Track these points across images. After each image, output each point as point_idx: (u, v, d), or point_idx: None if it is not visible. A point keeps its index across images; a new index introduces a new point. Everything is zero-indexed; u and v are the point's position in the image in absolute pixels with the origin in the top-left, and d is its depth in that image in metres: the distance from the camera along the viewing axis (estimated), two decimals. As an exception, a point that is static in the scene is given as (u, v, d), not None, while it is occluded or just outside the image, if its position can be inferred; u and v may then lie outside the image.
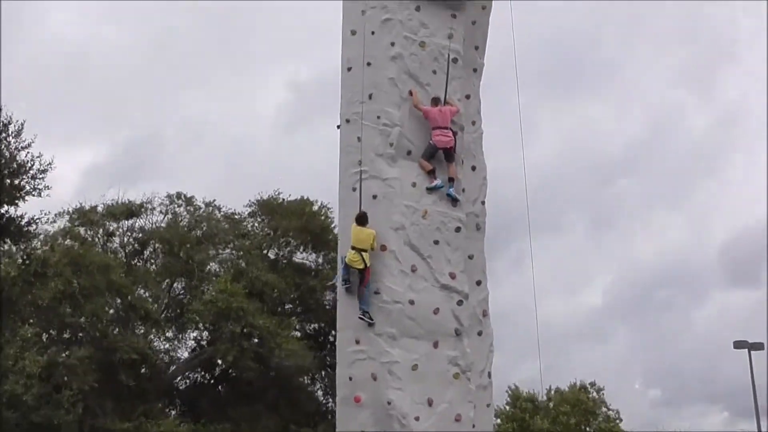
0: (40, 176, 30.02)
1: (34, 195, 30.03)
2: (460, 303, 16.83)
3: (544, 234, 55.93)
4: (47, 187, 30.25)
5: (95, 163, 63.35)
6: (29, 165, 29.77)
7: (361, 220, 16.81)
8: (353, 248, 16.62)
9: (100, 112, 63.05)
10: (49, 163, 30.18)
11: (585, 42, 58.52)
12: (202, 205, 39.07)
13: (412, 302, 16.51)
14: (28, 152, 29.80)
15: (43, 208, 34.18)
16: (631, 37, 62.38)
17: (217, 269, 38.13)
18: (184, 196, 38.87)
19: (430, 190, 17.22)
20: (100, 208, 36.98)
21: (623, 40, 62.00)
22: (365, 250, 16.56)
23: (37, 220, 31.52)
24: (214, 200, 39.51)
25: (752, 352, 35.90)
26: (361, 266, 16.57)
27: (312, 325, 39.12)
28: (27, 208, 30.79)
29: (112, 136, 67.80)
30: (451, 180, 17.41)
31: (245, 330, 32.96)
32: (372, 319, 16.46)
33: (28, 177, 29.78)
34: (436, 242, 16.95)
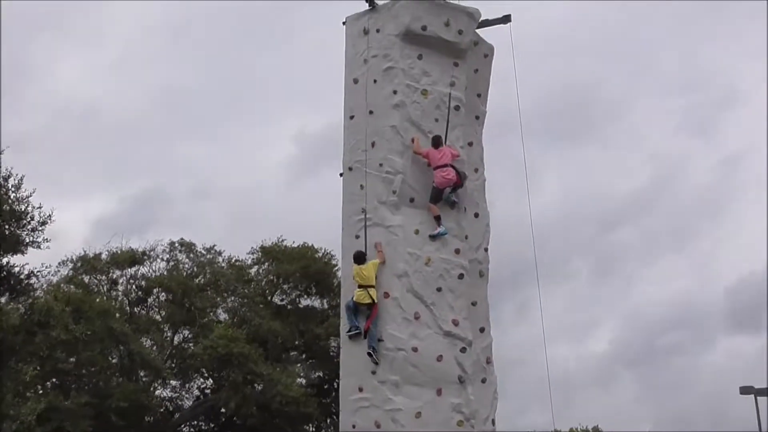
0: (40, 228, 30.10)
1: (33, 247, 30.08)
2: (463, 350, 16.75)
3: (549, 281, 56.19)
4: (47, 240, 30.30)
5: (103, 215, 64.10)
6: (29, 217, 29.83)
7: (359, 259, 16.91)
8: (359, 287, 16.71)
9: (109, 164, 63.47)
10: (49, 215, 30.25)
11: (589, 90, 58.97)
12: (204, 252, 39.17)
13: (415, 349, 16.47)
14: (27, 204, 29.90)
15: (44, 261, 34.36)
16: (634, 85, 62.88)
17: (221, 316, 38.14)
18: (186, 242, 39.01)
19: (434, 237, 17.25)
20: (104, 256, 37.07)
21: (626, 87, 62.52)
22: (371, 286, 16.63)
23: (38, 273, 31.57)
24: (215, 245, 39.66)
25: (758, 397, 35.71)
26: (368, 301, 16.62)
27: (317, 373, 38.97)
28: (28, 260, 30.86)
29: (121, 188, 68.38)
30: (454, 188, 17.41)
31: (248, 377, 32.86)
32: (378, 360, 16.44)
33: (27, 229, 29.84)
34: (439, 289, 16.93)
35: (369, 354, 16.53)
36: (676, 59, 64.92)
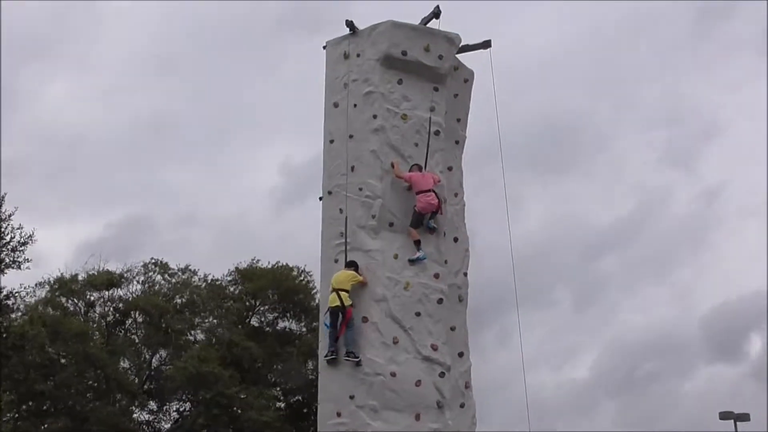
0: (20, 248, 29.91)
1: (13, 267, 29.88)
2: (442, 375, 16.71)
3: (531, 308, 56.44)
4: (27, 260, 30.12)
5: (89, 240, 64.37)
6: (9, 238, 29.64)
7: (349, 264, 16.96)
8: (333, 290, 16.70)
9: (95, 190, 63.59)
10: (30, 236, 30.09)
11: (572, 121, 59.61)
12: (178, 272, 39.06)
13: (393, 374, 16.40)
14: (8, 224, 29.72)
15: (25, 282, 34.12)
16: (617, 117, 63.61)
17: (198, 336, 38.03)
18: (160, 262, 38.88)
19: (412, 262, 17.24)
20: (81, 277, 36.87)
21: (610, 119, 63.20)
22: (345, 290, 16.59)
23: (16, 294, 31.34)
24: (189, 265, 39.57)
25: (738, 422, 35.93)
26: (337, 303, 16.56)
27: (295, 397, 38.82)
28: (8, 281, 30.66)
29: (107, 214, 68.54)
30: (433, 214, 17.39)
31: (217, 398, 32.76)
32: (358, 357, 16.36)
33: (7, 249, 29.65)
34: (418, 314, 16.89)
35: (346, 358, 16.44)
36: (658, 91, 65.77)
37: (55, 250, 68.69)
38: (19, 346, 28.90)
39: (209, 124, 65.95)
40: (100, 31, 68.66)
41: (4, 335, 29.24)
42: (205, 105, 66.99)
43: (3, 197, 29.72)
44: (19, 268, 29.91)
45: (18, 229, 29.86)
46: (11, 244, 29.68)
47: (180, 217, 62.47)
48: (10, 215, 29.71)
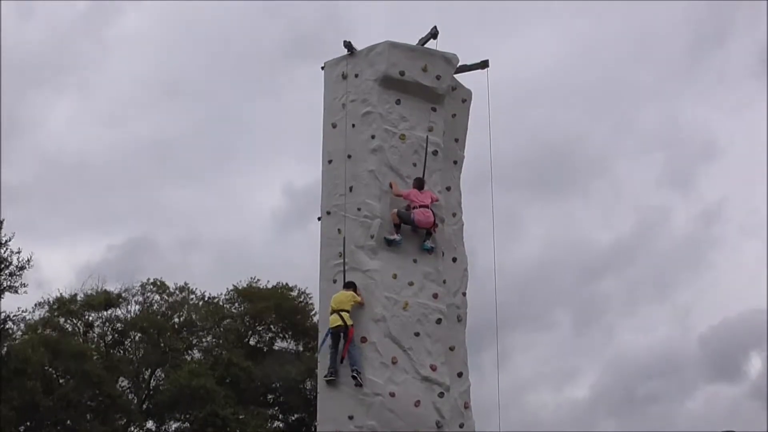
0: (18, 273, 30.03)
1: (11, 292, 30.01)
2: (441, 395, 16.70)
3: (532, 329, 56.72)
4: (24, 285, 30.23)
5: (90, 263, 64.58)
6: (8, 262, 29.73)
7: (348, 286, 16.95)
8: (333, 311, 16.70)
9: (98, 213, 63.92)
10: (28, 260, 30.19)
11: (571, 143, 60.07)
12: (176, 291, 39.10)
13: (392, 394, 16.39)
14: (6, 249, 29.83)
15: (21, 304, 34.24)
16: (616, 139, 64.11)
17: (195, 357, 38.03)
18: (157, 282, 38.92)
19: (389, 242, 17.27)
20: (79, 297, 36.89)
21: (608, 141, 63.64)
22: (345, 311, 16.59)
23: (14, 317, 31.43)
24: (186, 283, 39.61)
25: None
26: (340, 323, 16.55)
27: (294, 416, 38.78)
28: (6, 304, 30.81)
29: (109, 237, 68.96)
30: (428, 234, 17.46)
31: (210, 417, 32.77)
32: (362, 381, 16.33)
33: (5, 274, 29.74)
34: (417, 334, 16.90)
35: (353, 377, 16.38)
36: (656, 113, 66.35)
37: (59, 273, 69.23)
38: (21, 369, 28.90)
39: (212, 148, 66.28)
40: (104, 58, 69.05)
41: (6, 360, 29.22)
42: (208, 130, 67.45)
43: (1, 222, 29.87)
44: (17, 292, 30.06)
45: (16, 253, 30.00)
46: (10, 268, 29.76)
47: (182, 239, 62.82)
48: (8, 240, 29.82)
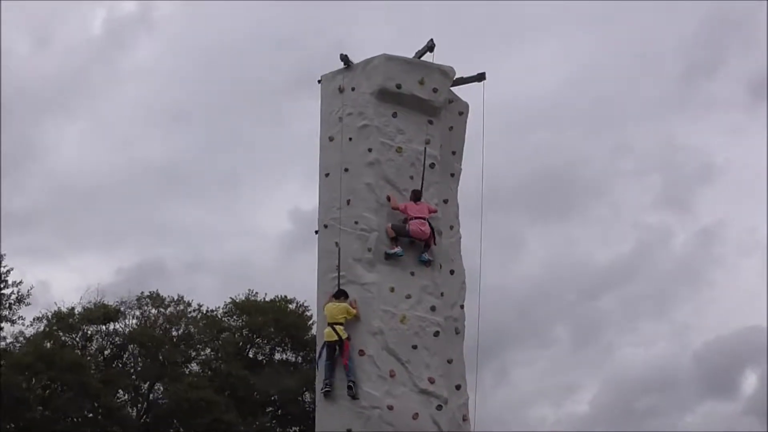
0: (15, 305, 30.29)
1: (8, 323, 30.29)
2: (439, 408, 16.69)
3: (533, 345, 57.29)
4: (21, 318, 30.56)
5: (99, 286, 64.92)
6: (8, 294, 29.99)
7: (339, 295, 16.98)
8: (328, 324, 16.72)
9: (107, 236, 64.57)
10: (28, 292, 30.54)
11: (572, 164, 60.85)
12: (172, 303, 39.09)
13: (390, 407, 16.36)
14: (6, 282, 30.09)
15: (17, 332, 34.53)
16: (614, 160, 64.83)
17: (194, 370, 38.04)
18: (152, 294, 38.92)
19: (389, 256, 17.28)
20: (77, 311, 36.89)
21: (606, 162, 64.32)
22: (340, 324, 16.61)
23: (10, 345, 31.65)
24: (183, 296, 39.62)
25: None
26: (335, 338, 16.57)
27: (293, 428, 38.74)
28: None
29: (117, 258, 69.45)
30: (426, 246, 17.47)
31: (213, 425, 32.76)
32: (357, 394, 16.31)
33: (5, 306, 29.97)
34: (415, 347, 16.89)
35: (348, 387, 16.38)
36: (652, 134, 67.12)
37: (68, 297, 69.43)
38: (22, 399, 29.03)
39: (221, 173, 67.01)
40: (117, 87, 69.91)
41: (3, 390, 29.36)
42: (217, 155, 68.37)
43: (2, 256, 30.22)
44: (14, 324, 30.42)
45: (17, 285, 30.33)
46: (10, 300, 30.06)
47: (189, 262, 63.35)
48: (8, 271, 30.13)
